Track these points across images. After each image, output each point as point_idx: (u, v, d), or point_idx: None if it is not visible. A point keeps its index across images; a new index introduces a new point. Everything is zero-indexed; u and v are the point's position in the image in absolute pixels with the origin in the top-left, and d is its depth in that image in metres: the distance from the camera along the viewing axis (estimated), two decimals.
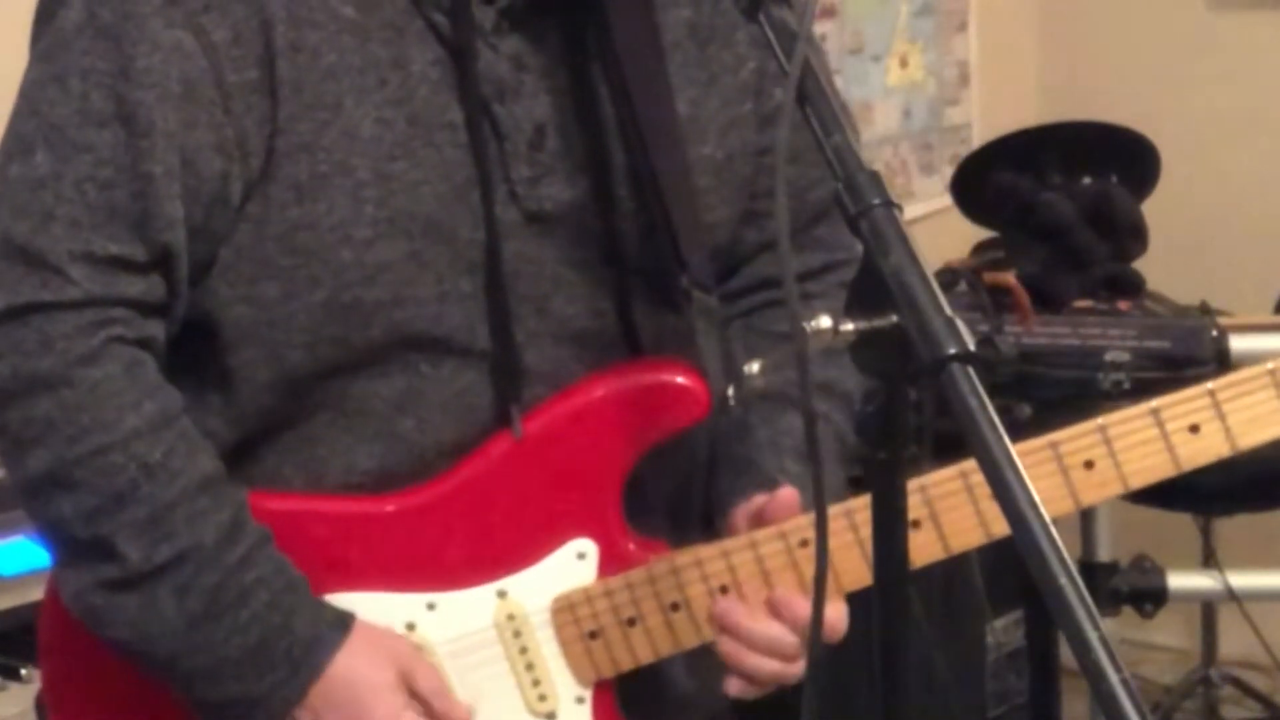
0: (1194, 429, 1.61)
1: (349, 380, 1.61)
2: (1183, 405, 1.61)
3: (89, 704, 1.71)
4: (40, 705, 1.78)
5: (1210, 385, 1.62)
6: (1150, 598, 3.39)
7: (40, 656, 1.74)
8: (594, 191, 1.63)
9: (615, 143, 1.64)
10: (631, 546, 1.66)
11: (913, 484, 1.42)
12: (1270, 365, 1.62)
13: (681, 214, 1.63)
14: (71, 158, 1.53)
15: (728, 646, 1.65)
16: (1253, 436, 1.62)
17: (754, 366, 1.47)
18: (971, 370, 1.21)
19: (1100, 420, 1.62)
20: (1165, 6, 4.35)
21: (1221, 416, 1.61)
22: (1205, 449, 1.61)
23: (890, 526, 1.34)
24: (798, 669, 1.66)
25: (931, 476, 1.61)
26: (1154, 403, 1.62)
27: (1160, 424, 1.61)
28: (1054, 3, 4.54)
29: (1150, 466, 1.62)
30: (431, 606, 1.65)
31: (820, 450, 1.33)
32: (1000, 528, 1.61)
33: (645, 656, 1.66)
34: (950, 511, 1.61)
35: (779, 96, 1.70)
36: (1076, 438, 1.61)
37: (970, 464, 1.60)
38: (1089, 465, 1.61)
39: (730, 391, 1.71)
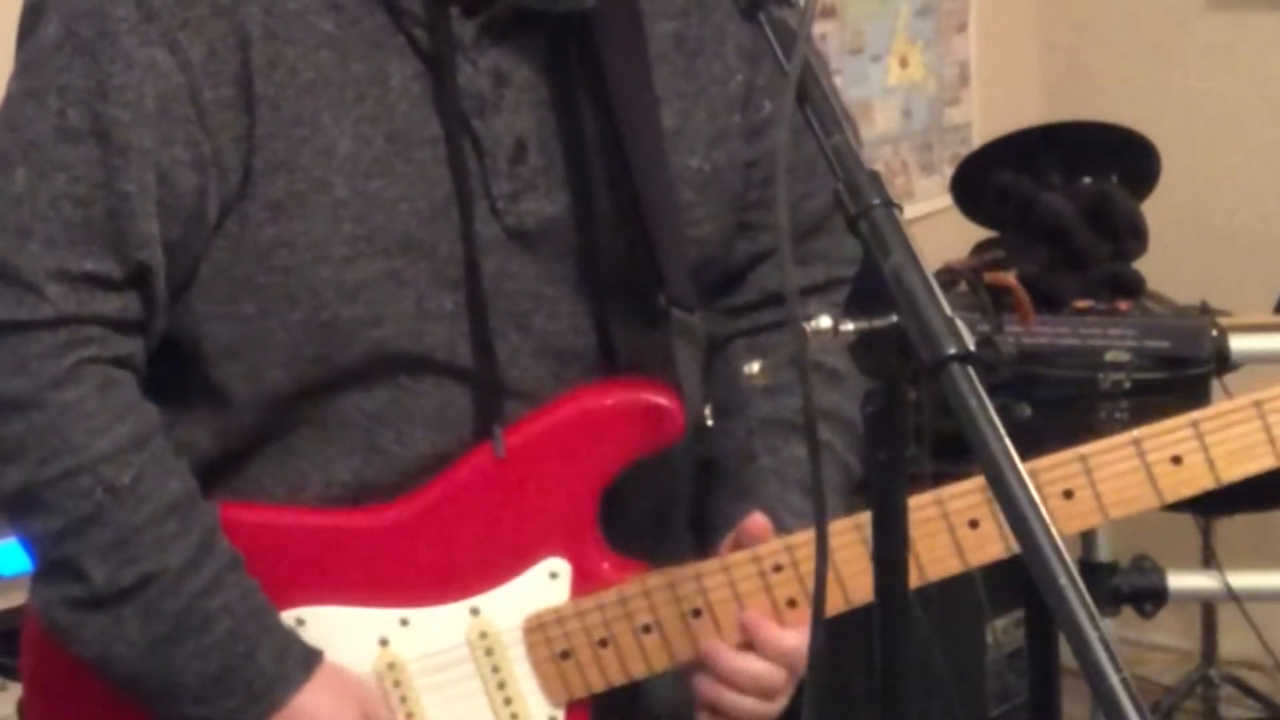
0: (1176, 460, 1.59)
1: (329, 395, 1.61)
2: (1165, 436, 1.59)
3: (69, 717, 1.71)
4: (21, 714, 1.78)
5: (1194, 416, 1.59)
6: (1150, 598, 3.38)
7: (22, 671, 1.75)
8: (576, 207, 1.63)
9: (598, 157, 1.63)
10: (605, 566, 1.66)
11: None
12: (1256, 397, 1.60)
13: (662, 230, 1.62)
14: (48, 174, 1.53)
15: (705, 686, 1.64)
16: (1236, 469, 1.60)
17: (754, 367, 1.47)
18: (971, 370, 1.21)
19: (1081, 450, 1.60)
20: (1165, 6, 4.35)
21: (1205, 448, 1.59)
22: (1188, 480, 1.59)
23: (891, 527, 1.34)
24: (776, 706, 1.66)
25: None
26: (1136, 433, 1.60)
27: (1142, 454, 1.59)
28: (1054, 3, 4.54)
29: (1131, 498, 1.60)
30: (404, 622, 1.64)
31: (820, 456, 1.32)
32: (977, 557, 1.62)
33: (617, 678, 1.66)
34: (926, 539, 1.60)
35: (768, 109, 1.70)
36: (1056, 466, 1.60)
37: (947, 491, 1.60)
38: (1068, 495, 1.59)
39: (707, 411, 1.71)
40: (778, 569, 1.63)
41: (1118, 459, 1.60)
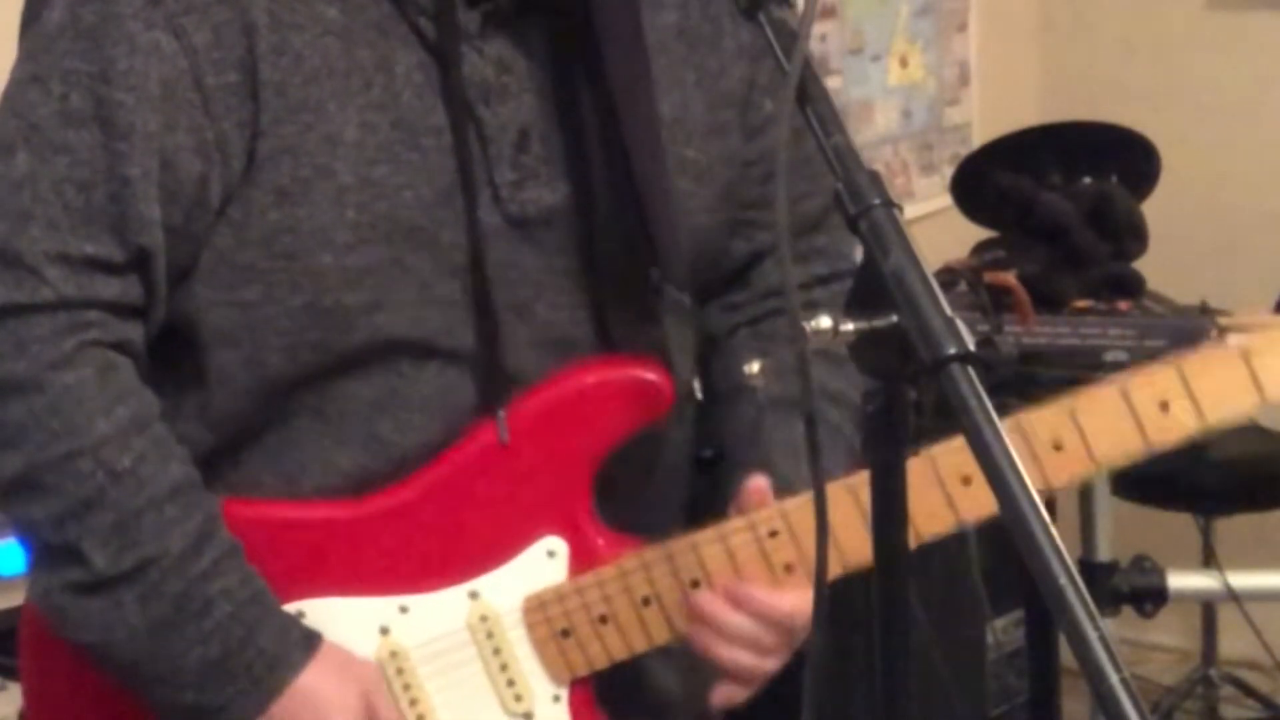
0: (1164, 406, 1.60)
1: (329, 382, 1.61)
2: (1151, 383, 1.60)
3: (68, 718, 1.71)
4: (22, 716, 1.78)
5: (1178, 362, 1.60)
6: (1150, 598, 3.38)
7: (20, 671, 1.75)
8: (576, 196, 1.63)
9: (598, 147, 1.63)
10: (601, 543, 1.66)
11: None
12: (1239, 340, 1.61)
13: (657, 209, 1.63)
14: (50, 158, 1.53)
15: (701, 638, 1.65)
16: (1222, 412, 1.60)
17: (754, 366, 1.47)
18: (971, 370, 1.21)
19: (1069, 400, 1.61)
20: (1165, 6, 4.35)
21: (1190, 394, 1.60)
22: (1175, 426, 1.60)
23: (890, 526, 1.34)
24: (773, 664, 1.66)
25: None
26: (1122, 382, 1.61)
27: (1129, 402, 1.60)
28: (1054, 3, 4.54)
29: (1120, 445, 1.61)
30: (404, 610, 1.65)
31: (821, 452, 1.32)
32: (971, 512, 1.62)
33: (619, 653, 1.66)
34: (919, 497, 1.60)
35: (768, 108, 1.71)
36: (1045, 419, 1.61)
37: (938, 449, 1.60)
38: (1058, 446, 1.60)
39: (695, 385, 1.71)
40: (773, 534, 1.64)
41: (1105, 408, 1.61)
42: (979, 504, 1.61)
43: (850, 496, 1.58)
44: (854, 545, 1.57)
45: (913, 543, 1.60)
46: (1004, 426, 1.17)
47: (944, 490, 1.61)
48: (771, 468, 1.70)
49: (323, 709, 1.59)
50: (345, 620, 1.63)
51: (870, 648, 1.36)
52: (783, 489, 1.66)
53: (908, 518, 1.34)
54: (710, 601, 1.64)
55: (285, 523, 1.63)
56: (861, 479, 1.56)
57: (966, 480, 1.61)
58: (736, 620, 1.64)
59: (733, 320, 1.81)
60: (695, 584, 1.64)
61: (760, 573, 1.64)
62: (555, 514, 1.65)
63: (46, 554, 1.59)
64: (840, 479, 1.59)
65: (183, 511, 1.57)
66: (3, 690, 2.41)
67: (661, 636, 1.66)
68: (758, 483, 1.65)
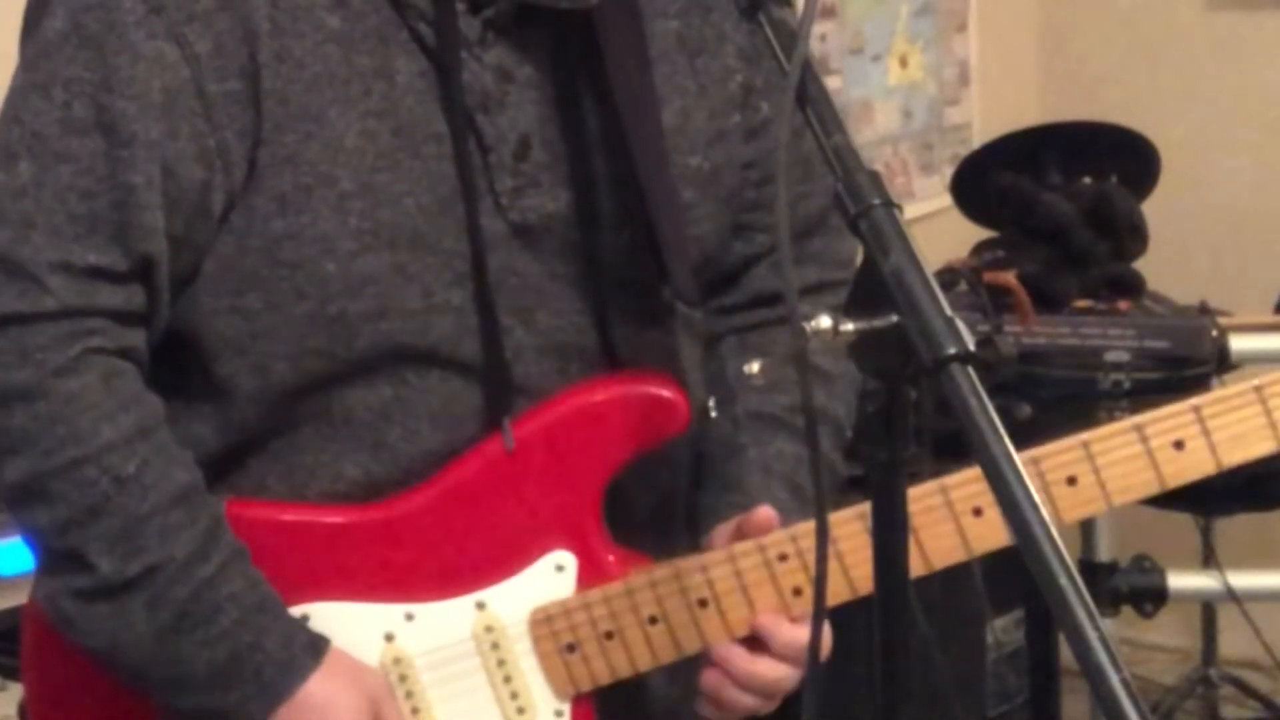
0: (1178, 445, 1.60)
1: (335, 391, 1.61)
2: (1167, 421, 1.60)
3: (71, 716, 1.71)
4: (22, 714, 1.78)
5: (1195, 401, 1.60)
6: (1150, 598, 3.39)
7: (24, 671, 1.74)
8: (578, 204, 1.63)
9: (600, 154, 1.63)
10: (610, 559, 1.66)
11: None
12: (1256, 382, 1.60)
13: (666, 226, 1.63)
14: (53, 167, 1.53)
15: (713, 679, 1.66)
16: (1238, 453, 1.60)
17: (754, 366, 1.47)
18: (971, 370, 1.21)
19: (1084, 436, 1.60)
20: (1165, 6, 4.35)
21: (1206, 433, 1.59)
22: (1190, 466, 1.60)
23: (890, 526, 1.34)
24: (773, 704, 1.67)
25: (911, 492, 1.60)
26: (1138, 419, 1.60)
27: (1144, 440, 1.60)
28: (1054, 3, 4.54)
29: (1134, 483, 1.61)
30: (410, 617, 1.65)
31: (819, 454, 1.33)
32: (981, 545, 1.62)
33: (623, 670, 1.66)
34: (930, 528, 1.60)
35: (765, 110, 1.71)
36: (1059, 453, 1.60)
37: (951, 479, 1.61)
38: (1071, 481, 1.60)
39: (711, 403, 1.71)
40: (783, 558, 1.63)
41: (1120, 444, 1.60)
42: (990, 536, 1.61)
43: (861, 524, 1.58)
44: (863, 574, 1.58)
45: (922, 571, 1.60)
46: (1019, 458, 1.18)
47: (956, 522, 1.61)
48: (743, 486, 1.70)
49: (330, 716, 1.59)
50: (350, 625, 1.63)
51: (871, 646, 1.36)
52: (751, 506, 1.66)
53: (908, 519, 1.34)
54: (734, 656, 1.64)
55: (292, 525, 1.63)
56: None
57: (978, 512, 1.61)
58: (760, 669, 1.64)
59: (719, 326, 1.80)
60: (703, 604, 1.64)
61: (769, 595, 1.64)
62: (565, 528, 1.65)
63: (52, 560, 1.59)
64: (842, 507, 1.59)
65: (188, 517, 1.57)
66: (3, 690, 2.41)
67: (667, 655, 1.66)
68: (765, 511, 1.65)
